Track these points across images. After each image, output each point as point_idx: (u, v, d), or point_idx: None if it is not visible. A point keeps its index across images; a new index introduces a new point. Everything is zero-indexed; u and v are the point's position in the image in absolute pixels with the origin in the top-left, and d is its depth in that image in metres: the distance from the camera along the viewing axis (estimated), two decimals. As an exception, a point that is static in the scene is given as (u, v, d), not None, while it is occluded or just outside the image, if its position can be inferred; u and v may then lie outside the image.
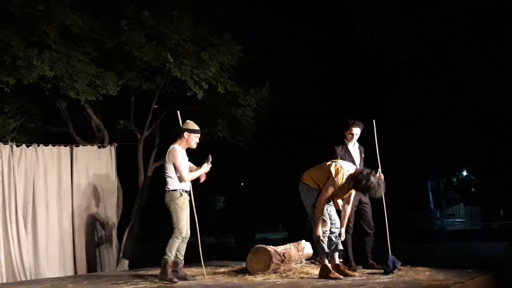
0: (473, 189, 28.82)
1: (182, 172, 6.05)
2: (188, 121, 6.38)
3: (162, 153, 9.82)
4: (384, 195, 6.31)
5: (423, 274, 5.87)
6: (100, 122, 9.02)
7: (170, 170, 6.10)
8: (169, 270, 5.99)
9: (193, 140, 6.23)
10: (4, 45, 7.52)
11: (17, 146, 7.52)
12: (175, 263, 6.16)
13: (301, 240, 7.29)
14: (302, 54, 11.61)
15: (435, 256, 10.39)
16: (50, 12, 7.51)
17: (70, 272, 7.74)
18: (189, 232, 6.13)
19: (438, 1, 9.93)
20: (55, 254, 7.60)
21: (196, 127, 6.31)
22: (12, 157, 7.34)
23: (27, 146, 7.63)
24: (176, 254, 6.11)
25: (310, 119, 13.73)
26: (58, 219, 7.72)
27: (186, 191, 6.16)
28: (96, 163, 8.34)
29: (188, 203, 6.19)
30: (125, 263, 8.60)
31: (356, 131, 6.79)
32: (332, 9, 11.70)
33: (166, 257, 5.97)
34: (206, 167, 6.24)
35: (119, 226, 8.72)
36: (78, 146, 8.30)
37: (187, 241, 6.16)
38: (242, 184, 25.26)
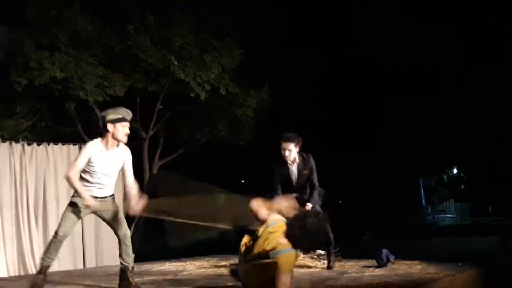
0: (463, 186, 28.84)
1: (71, 166, 4.78)
2: (108, 110, 4.90)
3: (166, 152, 9.92)
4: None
5: (415, 267, 5.89)
6: (107, 122, 9.03)
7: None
8: (40, 276, 4.89)
9: (120, 131, 4.72)
10: (17, 47, 7.56)
11: (29, 145, 7.52)
12: (122, 270, 5.09)
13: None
14: (302, 56, 11.57)
15: (427, 250, 10.40)
16: (61, 17, 7.54)
17: (80, 266, 7.75)
18: (67, 234, 4.92)
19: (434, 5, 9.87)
20: (65, 248, 7.54)
21: (119, 115, 4.75)
22: (23, 156, 7.34)
23: (38, 145, 7.63)
24: (121, 259, 5.12)
25: (309, 119, 13.73)
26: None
27: (92, 196, 4.75)
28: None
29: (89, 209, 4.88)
30: (131, 257, 8.61)
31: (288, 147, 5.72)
32: (332, 12, 11.61)
33: (41, 260, 4.99)
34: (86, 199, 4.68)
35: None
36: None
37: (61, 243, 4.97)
38: (243, 181, 25.27)
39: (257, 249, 4.07)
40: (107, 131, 4.71)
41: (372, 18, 10.48)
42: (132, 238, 8.81)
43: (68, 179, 4.70)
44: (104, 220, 5.10)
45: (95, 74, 8.05)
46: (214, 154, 11.52)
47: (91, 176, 4.76)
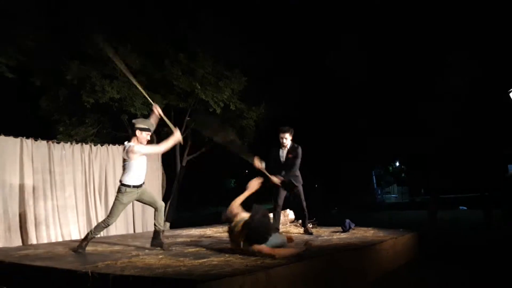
0: (403, 174, 28.84)
1: (154, 151, 4.73)
2: (139, 119, 4.87)
3: (192, 150, 9.90)
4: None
5: (369, 232, 5.88)
6: (150, 129, 9.03)
7: (126, 166, 4.62)
8: (85, 242, 4.71)
9: (144, 138, 4.63)
10: (86, 76, 7.56)
11: (94, 145, 7.53)
12: (156, 232, 4.84)
13: (286, 209, 7.30)
14: (289, 81, 11.47)
15: (377, 220, 10.40)
16: (118, 54, 7.53)
17: (131, 231, 7.75)
18: (114, 222, 4.75)
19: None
20: (120, 218, 7.55)
21: (146, 125, 4.65)
22: (91, 153, 7.36)
23: (101, 146, 7.64)
24: (155, 224, 4.87)
25: (293, 126, 13.68)
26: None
27: (135, 186, 4.66)
28: (148, 157, 8.29)
29: (133, 197, 4.73)
30: (167, 225, 8.62)
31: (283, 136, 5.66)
32: (311, 46, 11.46)
33: (89, 232, 4.77)
34: (177, 137, 4.67)
35: (163, 199, 8.72)
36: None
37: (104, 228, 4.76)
38: (246, 171, 25.31)
39: (234, 236, 4.19)
40: (135, 135, 4.61)
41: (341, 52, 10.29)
42: (168, 211, 8.85)
43: (165, 149, 4.70)
44: (143, 202, 4.92)
45: (141, 95, 8.03)
46: (225, 152, 11.51)
47: (134, 168, 4.61)
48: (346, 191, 20.60)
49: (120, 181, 4.66)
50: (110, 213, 4.71)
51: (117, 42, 7.78)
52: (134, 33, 8.13)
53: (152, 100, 8.10)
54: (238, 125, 9.58)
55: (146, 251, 4.69)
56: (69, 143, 7.20)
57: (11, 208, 6.26)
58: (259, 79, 10.12)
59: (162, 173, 8.79)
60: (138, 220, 7.95)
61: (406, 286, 4.31)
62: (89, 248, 4.94)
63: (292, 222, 7.03)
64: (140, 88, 5.12)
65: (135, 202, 7.78)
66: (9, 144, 6.37)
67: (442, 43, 8.84)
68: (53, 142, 6.93)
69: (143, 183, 4.79)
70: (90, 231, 4.79)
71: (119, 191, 4.64)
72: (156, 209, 4.87)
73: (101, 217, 7.34)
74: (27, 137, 6.60)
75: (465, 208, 15.51)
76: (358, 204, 18.40)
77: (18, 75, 7.66)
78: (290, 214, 7.18)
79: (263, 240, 3.94)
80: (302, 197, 5.89)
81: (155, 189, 8.38)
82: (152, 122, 4.84)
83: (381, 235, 5.52)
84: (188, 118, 9.28)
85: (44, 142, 6.81)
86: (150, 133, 4.67)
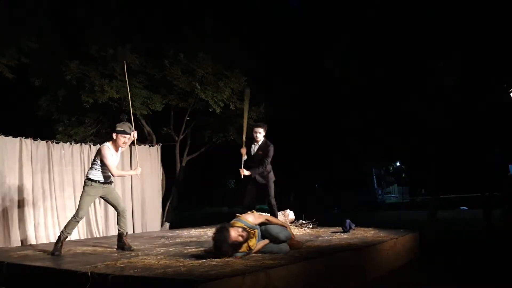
0: (403, 175, 28.83)
1: (111, 169, 4.69)
2: (120, 123, 4.90)
3: (192, 150, 9.90)
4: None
5: (369, 232, 5.89)
6: (150, 129, 9.04)
7: (94, 163, 4.79)
8: (59, 244, 4.64)
9: (121, 140, 4.75)
10: (85, 76, 7.55)
11: (94, 145, 7.53)
12: (119, 235, 4.95)
13: (286, 209, 7.31)
14: (287, 82, 11.51)
15: (378, 220, 10.40)
16: (117, 54, 7.53)
17: (130, 231, 7.74)
18: (84, 215, 4.78)
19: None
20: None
21: (122, 128, 4.79)
22: (90, 153, 7.35)
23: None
24: (118, 227, 4.96)
25: (292, 128, 13.71)
26: (121, 195, 7.71)
27: (101, 182, 4.75)
28: (148, 157, 8.34)
29: (99, 192, 4.82)
30: (167, 225, 8.62)
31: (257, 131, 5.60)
32: (308, 50, 11.58)
33: (61, 233, 4.71)
34: (135, 172, 4.99)
35: (162, 200, 8.74)
36: (135, 145, 8.30)
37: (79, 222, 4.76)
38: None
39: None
40: (112, 137, 4.78)
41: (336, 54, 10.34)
42: (167, 211, 8.84)
43: (118, 176, 4.95)
44: (106, 200, 4.97)
45: (141, 95, 8.03)
46: (226, 151, 11.51)
47: (102, 168, 4.74)
48: (346, 190, 20.60)
49: (87, 175, 4.79)
50: (78, 207, 4.76)
51: (117, 42, 7.76)
52: (134, 33, 8.12)
53: (152, 101, 8.17)
54: (238, 125, 9.56)
55: (146, 251, 4.69)
56: (68, 143, 7.19)
57: (10, 208, 6.26)
58: (259, 79, 10.10)
59: (162, 173, 8.79)
60: (138, 221, 7.95)
61: (406, 287, 4.30)
62: (88, 248, 4.94)
63: (292, 222, 7.03)
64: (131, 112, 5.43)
65: (135, 203, 7.88)
66: (8, 144, 6.36)
67: (436, 41, 8.82)
68: (52, 142, 6.93)
69: (111, 182, 4.90)
70: (62, 231, 4.74)
71: (85, 184, 4.76)
72: (118, 213, 4.95)
73: (100, 217, 7.34)
74: (26, 137, 6.60)
75: (465, 208, 15.51)
76: (359, 204, 18.39)
77: (17, 75, 7.65)
78: (290, 214, 7.19)
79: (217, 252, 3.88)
80: (271, 194, 5.66)
81: (154, 189, 8.39)
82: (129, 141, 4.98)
83: (381, 235, 5.52)
84: (188, 118, 9.27)
85: (44, 142, 6.81)
86: (126, 135, 4.79)
